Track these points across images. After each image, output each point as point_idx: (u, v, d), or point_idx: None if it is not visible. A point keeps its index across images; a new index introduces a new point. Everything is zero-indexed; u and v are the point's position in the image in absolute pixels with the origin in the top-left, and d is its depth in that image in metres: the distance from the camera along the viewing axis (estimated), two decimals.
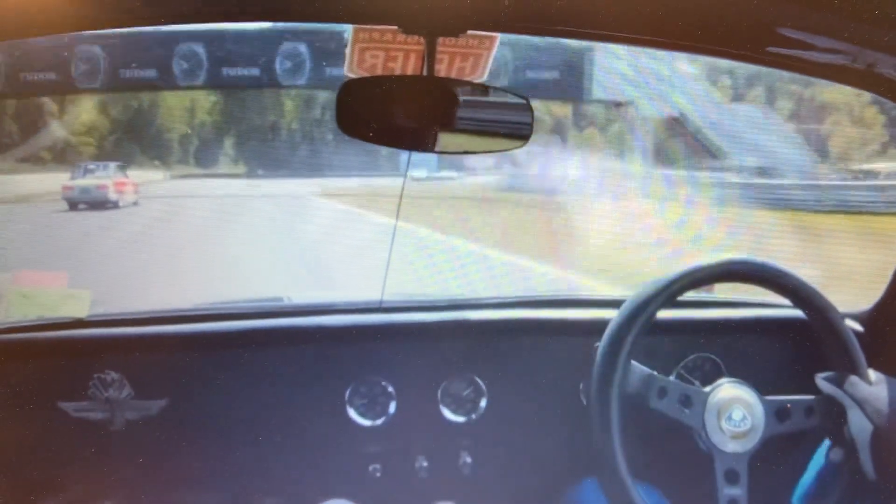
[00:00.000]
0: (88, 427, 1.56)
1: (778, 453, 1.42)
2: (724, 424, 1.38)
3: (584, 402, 1.59)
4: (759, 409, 1.39)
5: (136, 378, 1.57)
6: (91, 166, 13.84)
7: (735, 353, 1.73)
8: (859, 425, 1.24)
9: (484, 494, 1.70)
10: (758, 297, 1.78)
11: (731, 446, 1.38)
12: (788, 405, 1.38)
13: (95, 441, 1.57)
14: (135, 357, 1.60)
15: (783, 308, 1.71)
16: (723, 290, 1.85)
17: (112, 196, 12.94)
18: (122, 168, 14.21)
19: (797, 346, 1.70)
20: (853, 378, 1.30)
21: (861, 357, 1.39)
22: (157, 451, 1.60)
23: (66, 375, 1.57)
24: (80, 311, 1.63)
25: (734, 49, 1.25)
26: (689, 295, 1.58)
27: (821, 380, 1.34)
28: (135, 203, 13.46)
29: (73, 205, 12.72)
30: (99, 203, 12.69)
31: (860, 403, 1.25)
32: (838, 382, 1.31)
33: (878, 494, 1.29)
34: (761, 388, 1.43)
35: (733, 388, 1.42)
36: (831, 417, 1.35)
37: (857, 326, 1.74)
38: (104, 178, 13.25)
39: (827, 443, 1.40)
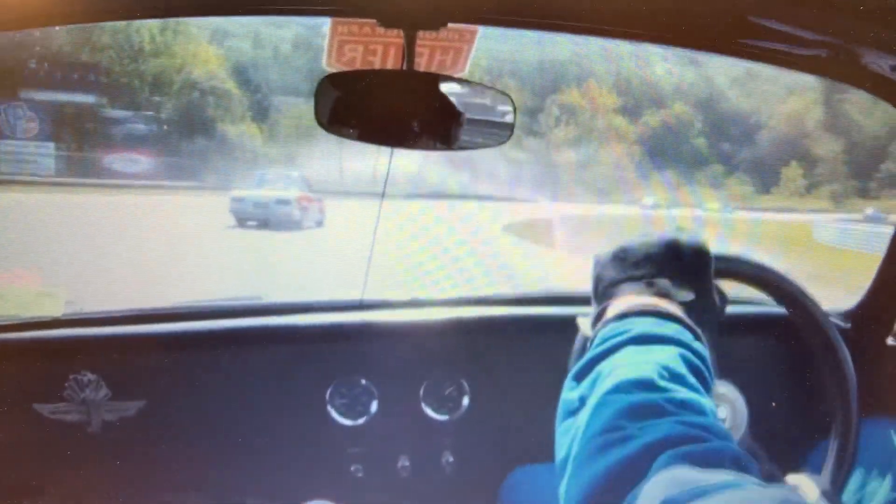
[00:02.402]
0: (65, 429, 1.53)
1: None
2: None
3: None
4: (742, 414, 1.38)
5: (112, 379, 1.54)
6: (269, 175, 10.81)
7: (721, 352, 1.72)
8: None
9: (466, 493, 1.69)
10: (743, 294, 1.77)
11: None
12: (757, 458, 1.37)
13: (72, 443, 1.54)
14: (111, 357, 1.57)
15: (767, 305, 1.70)
16: None
17: (296, 214, 10.23)
18: (305, 179, 10.95)
19: (782, 344, 1.70)
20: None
21: (846, 354, 1.38)
22: (135, 453, 1.57)
23: (42, 376, 1.54)
24: (55, 310, 1.60)
25: (716, 42, 1.24)
26: None
27: (791, 475, 1.33)
28: (318, 224, 10.58)
29: (240, 221, 10.07)
30: (276, 222, 10.06)
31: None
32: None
33: None
34: (746, 386, 1.42)
35: (722, 387, 1.41)
36: None
37: (842, 323, 1.73)
38: (286, 190, 10.40)
39: None
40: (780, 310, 1.47)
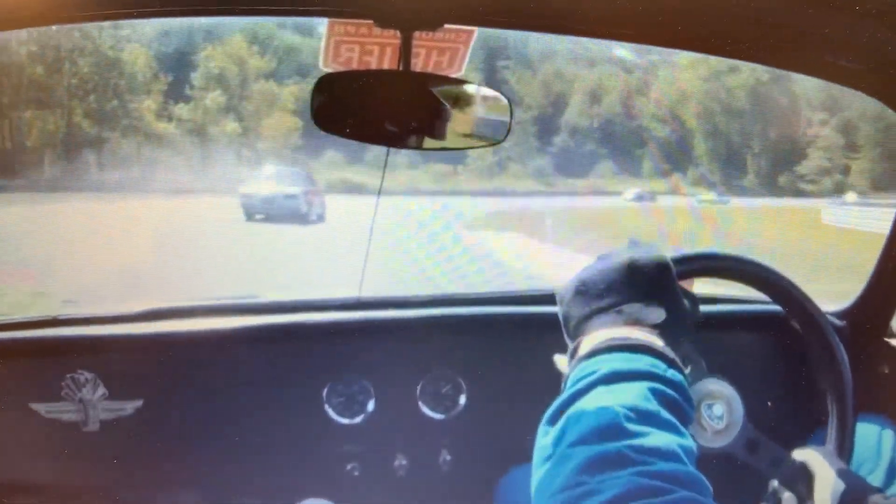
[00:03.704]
0: (61, 428, 1.54)
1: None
2: (704, 417, 1.37)
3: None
4: (738, 410, 1.38)
5: (109, 378, 1.55)
6: (275, 170, 11.76)
7: (715, 349, 1.72)
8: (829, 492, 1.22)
9: (463, 492, 1.69)
10: (738, 292, 1.78)
11: (703, 441, 1.37)
12: (759, 442, 1.36)
13: (68, 442, 1.54)
14: (108, 356, 1.57)
15: (763, 303, 1.70)
16: (702, 286, 1.84)
17: (303, 209, 10.79)
18: (310, 174, 11.99)
19: (778, 342, 1.70)
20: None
21: (842, 351, 1.38)
22: (131, 452, 1.57)
23: (39, 375, 1.55)
24: (51, 309, 1.60)
25: (709, 44, 1.24)
26: None
27: (798, 450, 1.32)
28: (319, 217, 11.19)
29: (249, 215, 10.66)
30: (284, 216, 10.47)
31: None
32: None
33: None
34: (743, 385, 1.42)
35: (716, 384, 1.40)
36: (794, 478, 1.33)
37: (838, 322, 1.73)
38: (293, 185, 11.01)
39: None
40: (777, 307, 1.47)
